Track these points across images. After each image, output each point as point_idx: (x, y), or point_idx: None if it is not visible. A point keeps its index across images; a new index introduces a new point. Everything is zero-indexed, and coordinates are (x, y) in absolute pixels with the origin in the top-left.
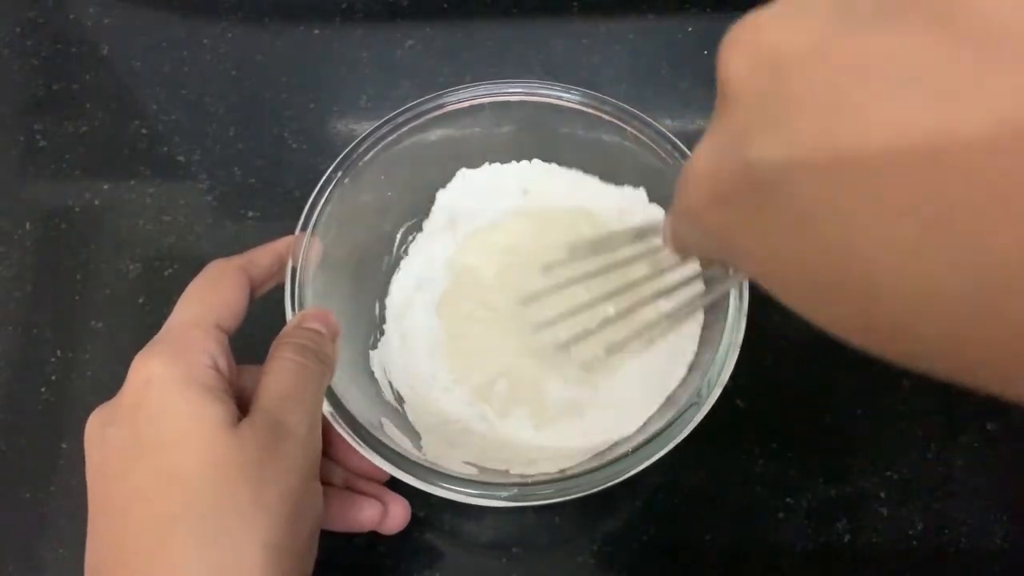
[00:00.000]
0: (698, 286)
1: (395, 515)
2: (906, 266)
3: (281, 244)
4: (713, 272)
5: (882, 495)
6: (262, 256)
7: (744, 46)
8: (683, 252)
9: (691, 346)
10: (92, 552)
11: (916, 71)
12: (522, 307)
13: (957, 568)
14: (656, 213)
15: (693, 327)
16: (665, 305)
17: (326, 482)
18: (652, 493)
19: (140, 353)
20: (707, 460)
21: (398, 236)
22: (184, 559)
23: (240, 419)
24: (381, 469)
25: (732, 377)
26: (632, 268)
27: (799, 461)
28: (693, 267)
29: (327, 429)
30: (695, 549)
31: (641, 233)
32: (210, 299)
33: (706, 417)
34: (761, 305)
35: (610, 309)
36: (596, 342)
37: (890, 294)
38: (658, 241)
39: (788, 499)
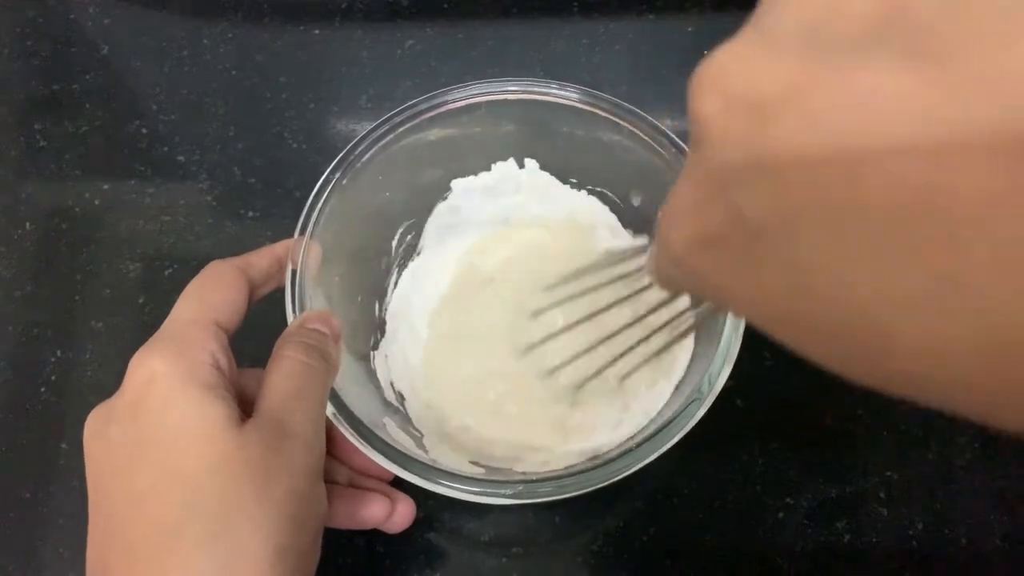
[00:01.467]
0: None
1: (401, 513)
2: (913, 321)
3: (279, 247)
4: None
5: (882, 495)
6: (260, 258)
7: (716, 85)
8: (669, 288)
9: (688, 343)
10: (94, 552)
11: (901, 109)
12: (520, 321)
13: (957, 568)
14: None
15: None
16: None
17: (330, 481)
18: (652, 493)
19: (140, 350)
20: (707, 460)
21: (396, 237)
22: (191, 560)
23: (242, 419)
24: (385, 468)
25: (732, 377)
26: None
27: (799, 461)
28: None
29: (330, 429)
30: (695, 549)
31: (622, 256)
32: (210, 297)
33: (706, 417)
34: None
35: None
36: (605, 376)
37: (899, 347)
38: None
39: (788, 499)
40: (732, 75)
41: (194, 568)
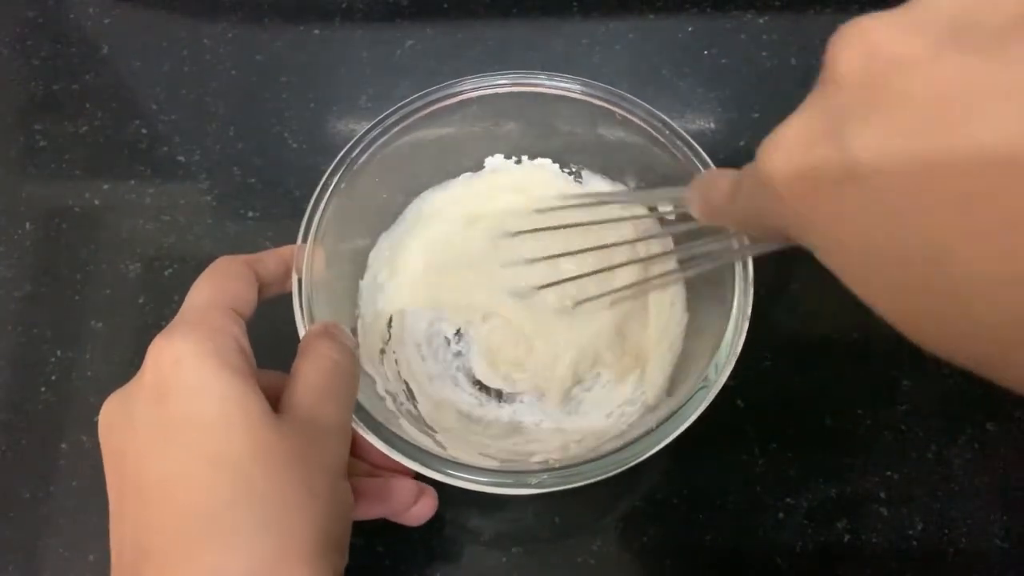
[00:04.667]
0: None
1: (426, 501)
2: (1000, 284)
3: (286, 251)
4: (711, 246)
5: (882, 495)
6: (269, 258)
7: (859, 40)
8: (714, 219)
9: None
10: (126, 537)
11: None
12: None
13: (957, 568)
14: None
15: (677, 300)
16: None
17: (351, 475)
18: (652, 493)
19: (161, 334)
20: (707, 460)
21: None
22: (247, 544)
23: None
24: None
25: (732, 376)
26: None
27: (799, 461)
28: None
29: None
30: (695, 549)
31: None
32: (223, 285)
33: (707, 417)
34: (760, 305)
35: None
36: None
37: (984, 308)
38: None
39: (788, 499)
40: (878, 33)
41: (251, 552)
